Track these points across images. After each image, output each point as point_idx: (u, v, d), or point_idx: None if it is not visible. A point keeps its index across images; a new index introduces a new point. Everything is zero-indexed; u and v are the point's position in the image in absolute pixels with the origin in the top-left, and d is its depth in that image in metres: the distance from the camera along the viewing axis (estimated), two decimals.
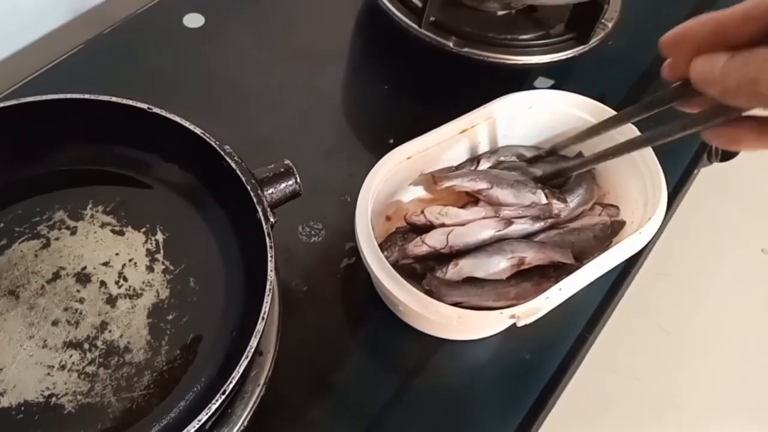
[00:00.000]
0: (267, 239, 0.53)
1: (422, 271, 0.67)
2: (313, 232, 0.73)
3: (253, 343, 0.48)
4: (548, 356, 0.69)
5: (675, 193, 0.83)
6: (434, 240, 0.67)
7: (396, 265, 0.68)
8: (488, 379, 0.68)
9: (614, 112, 0.73)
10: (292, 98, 0.85)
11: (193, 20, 0.90)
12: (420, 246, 0.67)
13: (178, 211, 0.62)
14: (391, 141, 0.80)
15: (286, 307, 0.65)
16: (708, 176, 0.93)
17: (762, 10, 0.40)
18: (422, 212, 0.69)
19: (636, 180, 0.73)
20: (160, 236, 0.61)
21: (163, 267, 0.59)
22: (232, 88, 0.84)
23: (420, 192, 0.75)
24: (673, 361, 0.86)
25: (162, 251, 0.60)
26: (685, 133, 0.71)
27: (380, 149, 0.75)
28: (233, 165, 0.57)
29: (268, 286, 0.51)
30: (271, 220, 0.55)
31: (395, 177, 0.70)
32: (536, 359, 0.69)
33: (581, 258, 0.70)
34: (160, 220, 0.62)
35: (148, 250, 0.60)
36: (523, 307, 0.60)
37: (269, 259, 0.52)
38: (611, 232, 0.72)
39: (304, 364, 0.65)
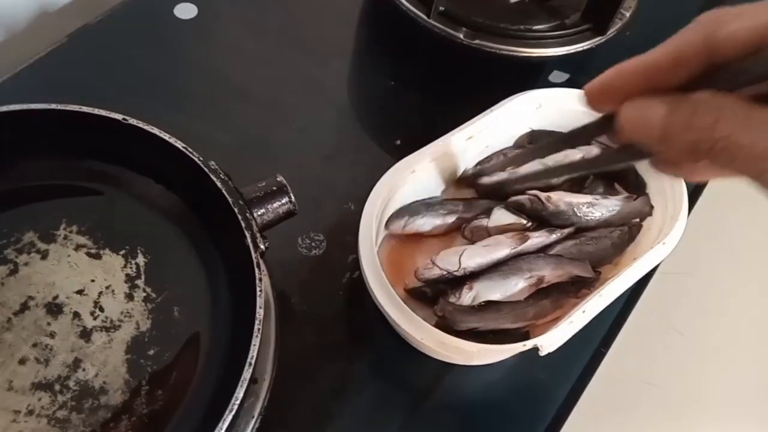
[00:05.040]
0: (256, 270, 0.47)
1: (433, 295, 0.62)
2: (313, 244, 0.67)
3: (239, 394, 0.43)
4: (563, 374, 0.64)
5: (696, 192, 0.77)
6: (446, 262, 0.62)
7: (405, 290, 0.63)
8: (500, 401, 0.63)
9: None
10: (290, 95, 0.79)
11: (185, 11, 0.84)
12: (431, 269, 0.62)
13: (160, 231, 0.56)
14: (398, 142, 0.75)
15: (284, 328, 0.59)
16: None
17: (695, 49, 0.33)
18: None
19: (653, 180, 0.69)
20: (140, 259, 0.55)
21: (144, 295, 0.54)
22: (226, 85, 0.79)
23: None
24: (688, 365, 0.80)
25: (143, 276, 0.54)
26: (626, 164, 0.67)
27: (386, 151, 0.70)
28: (219, 184, 0.51)
29: (256, 326, 0.45)
30: (261, 247, 0.49)
31: (400, 191, 0.65)
32: (551, 378, 0.64)
33: (598, 266, 0.66)
34: (141, 242, 0.56)
35: (127, 275, 0.54)
36: (546, 337, 0.55)
37: (258, 293, 0.46)
38: (629, 238, 0.68)
39: (303, 391, 0.60)
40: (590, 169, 0.66)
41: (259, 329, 0.45)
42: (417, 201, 0.67)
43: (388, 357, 0.63)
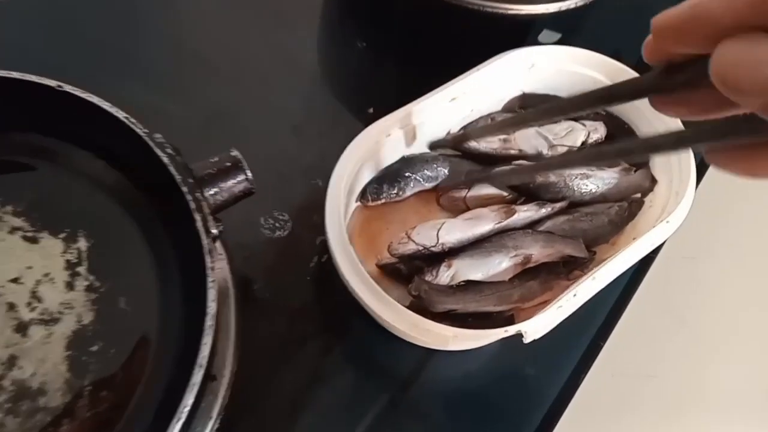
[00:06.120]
0: (207, 258, 0.42)
1: (408, 273, 0.58)
2: (278, 225, 0.63)
3: (188, 400, 0.38)
4: (555, 370, 0.60)
5: (703, 166, 0.73)
6: (423, 236, 0.58)
7: (377, 266, 0.60)
8: (486, 396, 0.59)
9: (631, 71, 0.63)
10: (254, 61, 0.74)
11: None
12: (406, 243, 0.58)
13: (104, 213, 0.51)
14: (371, 110, 0.70)
15: (246, 317, 0.55)
16: None
17: None
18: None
19: (659, 156, 0.64)
20: (82, 244, 0.50)
21: (87, 284, 0.49)
22: (184, 52, 0.74)
23: None
24: (692, 356, 0.77)
25: (85, 263, 0.49)
26: (679, 150, 0.56)
27: (358, 121, 0.67)
28: (165, 159, 0.45)
29: (207, 322, 0.40)
30: (214, 231, 0.44)
31: (373, 157, 0.61)
32: (541, 373, 0.60)
33: (593, 245, 0.62)
34: (83, 224, 0.51)
35: (68, 261, 0.49)
36: (531, 322, 0.51)
37: (209, 285, 0.41)
38: (628, 215, 0.63)
39: (268, 388, 0.57)
40: (626, 158, 0.58)
41: (211, 325, 0.40)
42: (395, 163, 0.63)
43: (362, 346, 0.60)
